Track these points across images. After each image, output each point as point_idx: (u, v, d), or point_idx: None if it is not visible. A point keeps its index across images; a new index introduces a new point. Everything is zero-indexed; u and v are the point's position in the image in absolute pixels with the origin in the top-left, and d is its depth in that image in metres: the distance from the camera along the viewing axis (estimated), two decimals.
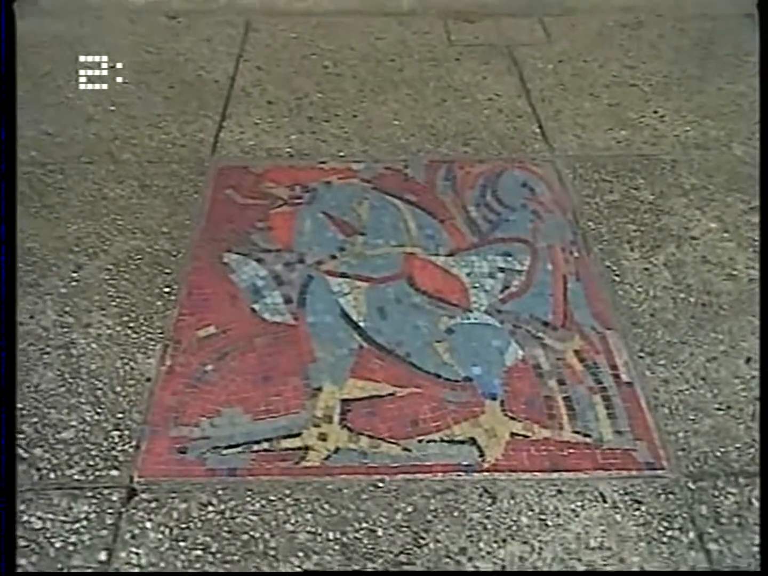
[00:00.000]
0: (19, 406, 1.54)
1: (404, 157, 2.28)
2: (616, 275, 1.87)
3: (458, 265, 1.88)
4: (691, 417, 1.53)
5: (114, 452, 1.46)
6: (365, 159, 2.27)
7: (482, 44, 2.90)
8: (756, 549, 1.31)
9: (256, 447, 1.46)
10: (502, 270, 1.86)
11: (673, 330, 1.72)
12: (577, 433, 1.49)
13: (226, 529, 1.33)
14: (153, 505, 1.36)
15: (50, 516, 1.34)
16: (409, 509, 1.36)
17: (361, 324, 1.71)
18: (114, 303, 1.78)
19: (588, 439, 1.48)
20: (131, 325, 1.73)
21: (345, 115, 2.49)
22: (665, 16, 3.07)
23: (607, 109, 2.51)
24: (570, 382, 1.59)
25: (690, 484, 1.41)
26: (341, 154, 2.30)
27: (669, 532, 1.33)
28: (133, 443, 1.47)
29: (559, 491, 1.39)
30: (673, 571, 1.29)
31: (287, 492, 1.38)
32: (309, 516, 1.34)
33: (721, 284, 1.84)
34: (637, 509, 1.36)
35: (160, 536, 1.31)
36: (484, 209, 2.06)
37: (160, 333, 1.70)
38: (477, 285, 1.81)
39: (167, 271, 1.87)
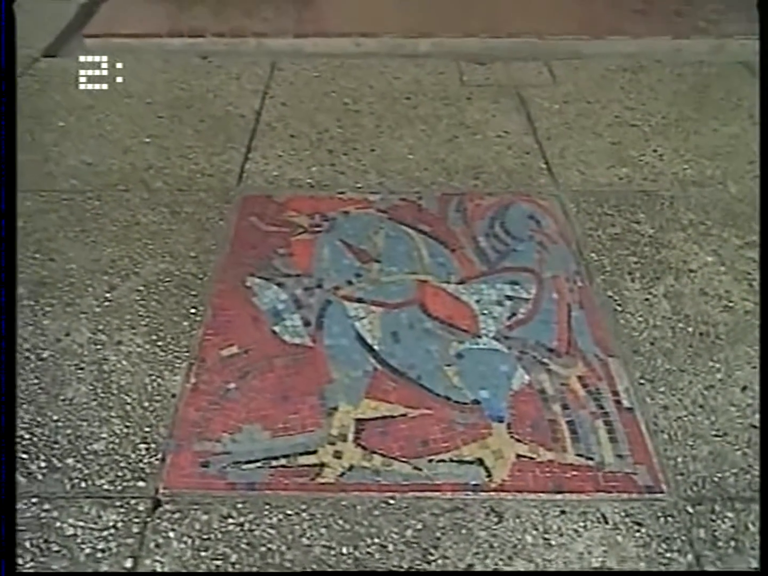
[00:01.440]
0: (54, 418, 1.56)
1: (418, 190, 2.30)
2: (618, 305, 1.87)
3: (468, 292, 1.88)
4: (690, 443, 1.53)
5: (141, 464, 1.47)
6: (381, 191, 2.29)
7: (492, 85, 2.94)
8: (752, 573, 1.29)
9: (274, 463, 1.47)
10: (509, 298, 1.87)
11: (672, 358, 1.72)
12: (580, 456, 1.48)
13: (245, 541, 1.33)
14: (176, 515, 1.37)
15: (81, 523, 1.35)
16: (419, 526, 1.36)
17: (376, 347, 1.72)
18: (144, 322, 1.81)
19: (590, 462, 1.47)
20: (159, 343, 1.75)
21: (363, 149, 2.52)
22: (663, 62, 3.11)
23: (609, 147, 2.53)
24: (573, 407, 1.59)
25: (688, 508, 1.40)
26: (359, 185, 2.32)
27: (668, 554, 1.32)
28: (159, 456, 1.49)
29: (563, 512, 1.38)
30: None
31: (303, 507, 1.39)
32: (324, 530, 1.35)
33: (718, 315, 1.83)
34: (638, 531, 1.35)
35: (182, 546, 1.32)
36: (493, 240, 2.07)
37: (186, 352, 1.72)
38: (486, 312, 1.82)
39: (194, 293, 1.89)
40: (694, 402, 1.62)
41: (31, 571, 1.28)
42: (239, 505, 1.39)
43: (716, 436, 1.54)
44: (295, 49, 3.22)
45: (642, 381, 1.66)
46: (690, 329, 1.80)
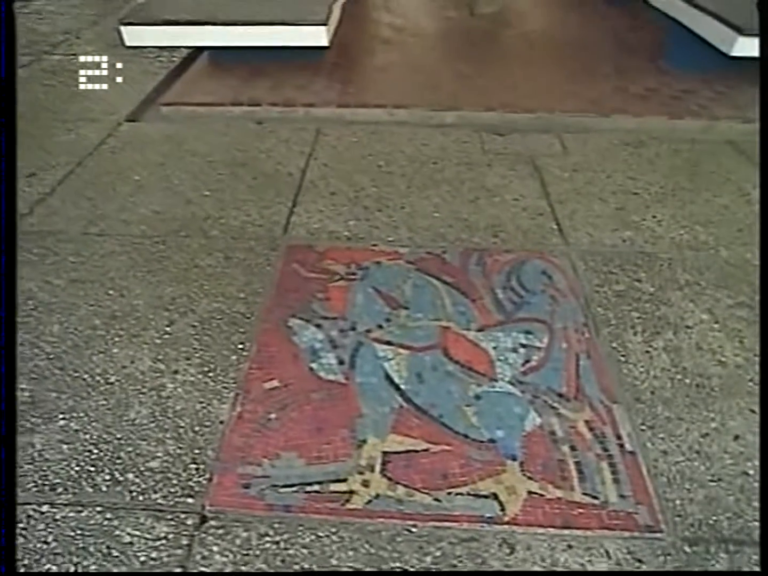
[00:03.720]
0: (118, 436, 1.62)
1: (443, 245, 2.35)
2: (622, 356, 1.88)
3: (486, 339, 1.91)
4: (687, 486, 1.51)
5: (191, 482, 1.51)
6: (410, 244, 2.35)
7: (510, 154, 3.02)
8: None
9: (308, 488, 1.49)
10: (523, 346, 1.88)
11: (671, 407, 1.72)
12: (586, 494, 1.48)
13: (279, 558, 1.35)
14: (220, 531, 1.40)
15: (137, 533, 1.39)
16: (438, 553, 1.36)
17: (402, 386, 1.74)
18: (197, 354, 1.87)
19: (596, 501, 1.47)
20: (210, 374, 1.80)
21: (394, 206, 2.59)
22: (660, 138, 3.17)
23: (613, 212, 2.57)
24: (580, 449, 1.59)
25: (686, 548, 1.39)
26: (390, 239, 2.38)
27: None
28: (207, 476, 1.52)
29: (570, 546, 1.38)
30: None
31: (333, 530, 1.41)
32: (351, 552, 1.36)
33: (712, 369, 1.83)
34: (639, 568, 1.34)
35: (224, 559, 1.35)
36: (509, 292, 2.10)
37: (234, 383, 1.77)
38: (502, 358, 1.84)
39: (242, 330, 1.95)
40: (691, 448, 1.61)
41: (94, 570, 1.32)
42: (276, 525, 1.42)
43: (711, 481, 1.53)
44: (338, 118, 3.35)
45: (643, 427, 1.66)
46: (687, 381, 1.80)
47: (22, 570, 1.32)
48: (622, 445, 1.60)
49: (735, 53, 3.11)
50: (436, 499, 1.46)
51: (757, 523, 1.42)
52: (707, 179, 2.81)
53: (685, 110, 3.34)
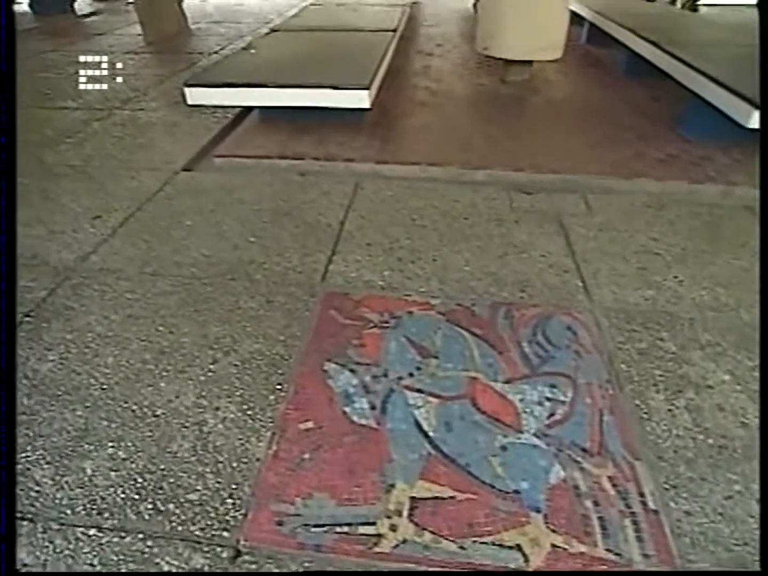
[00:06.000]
0: (162, 467, 1.66)
1: (472, 297, 2.38)
2: (644, 413, 1.86)
3: (512, 391, 1.91)
4: (711, 549, 1.47)
5: (227, 517, 1.53)
6: (441, 296, 2.38)
7: (537, 212, 3.07)
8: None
9: (338, 529, 1.49)
10: (548, 399, 1.88)
11: (694, 467, 1.68)
12: (609, 551, 1.45)
13: None
14: (253, 567, 1.41)
15: (175, 562, 1.42)
16: None
17: (431, 434, 1.75)
18: (238, 393, 1.91)
19: (619, 558, 1.44)
20: (249, 412, 1.84)
21: (427, 258, 2.64)
22: (681, 201, 3.19)
23: (636, 272, 2.57)
24: (604, 504, 1.57)
25: None
26: (422, 290, 2.42)
27: None
28: (242, 512, 1.54)
29: None
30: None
31: (361, 571, 1.40)
32: None
33: (735, 430, 1.80)
34: None
35: None
36: (535, 346, 2.11)
37: (271, 422, 1.80)
38: (527, 410, 1.84)
39: (280, 371, 1.99)
40: (715, 510, 1.57)
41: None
42: (306, 564, 1.42)
43: (736, 545, 1.48)
44: (375, 173, 3.48)
45: (666, 486, 1.63)
46: (710, 441, 1.76)
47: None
48: (645, 503, 1.57)
49: (751, 126, 3.15)
50: (462, 548, 1.45)
51: None
52: (726, 242, 2.81)
53: (704, 175, 3.36)
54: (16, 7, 8.40)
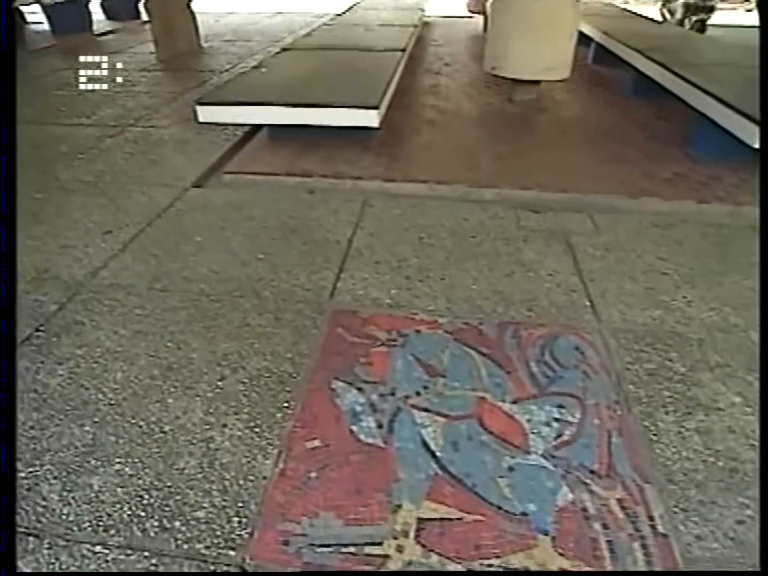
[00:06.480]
0: (168, 484, 1.66)
1: (480, 316, 2.38)
2: (653, 435, 1.84)
3: (520, 412, 1.90)
4: None
5: (233, 535, 1.53)
6: (448, 314, 2.39)
7: (544, 231, 3.08)
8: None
9: (344, 549, 1.48)
10: (556, 420, 1.87)
11: (705, 490, 1.66)
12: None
13: None
14: None
15: None
16: None
17: (438, 454, 1.74)
18: (245, 410, 1.91)
19: None
20: (256, 430, 1.84)
21: (434, 277, 2.65)
22: (689, 221, 3.20)
23: (644, 292, 2.57)
24: (612, 527, 1.55)
25: None
26: (430, 308, 2.43)
27: None
28: (248, 530, 1.54)
29: None
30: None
31: None
32: None
33: (746, 453, 1.78)
34: None
35: None
36: (543, 366, 2.10)
37: (277, 440, 1.80)
38: (535, 431, 1.83)
39: (287, 389, 1.99)
40: (726, 535, 1.54)
41: None
42: None
43: (748, 571, 1.45)
44: (383, 191, 3.51)
45: (676, 509, 1.61)
46: (720, 464, 1.74)
47: None
48: (654, 527, 1.55)
49: (758, 146, 3.17)
50: (469, 570, 1.44)
51: None
52: (734, 262, 2.81)
53: (712, 195, 3.38)
54: (37, 27, 8.63)
